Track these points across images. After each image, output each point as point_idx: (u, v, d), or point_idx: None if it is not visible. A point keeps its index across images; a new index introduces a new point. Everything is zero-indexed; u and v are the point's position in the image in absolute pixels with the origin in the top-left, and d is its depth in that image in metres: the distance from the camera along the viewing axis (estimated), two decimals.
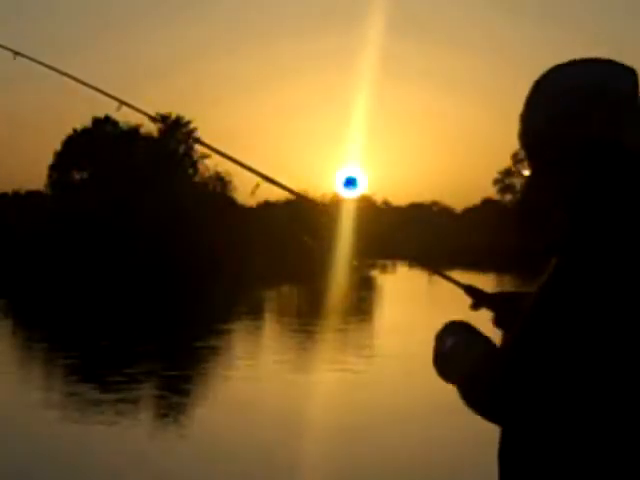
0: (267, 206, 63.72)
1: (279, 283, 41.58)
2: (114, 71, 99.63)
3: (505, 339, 1.97)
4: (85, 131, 56.45)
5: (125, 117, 57.77)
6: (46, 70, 2.79)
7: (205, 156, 58.00)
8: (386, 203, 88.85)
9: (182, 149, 57.89)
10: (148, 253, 44.20)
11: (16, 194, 58.44)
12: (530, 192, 1.97)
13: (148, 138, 56.35)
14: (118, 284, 36.83)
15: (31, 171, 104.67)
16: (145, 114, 3.39)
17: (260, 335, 22.41)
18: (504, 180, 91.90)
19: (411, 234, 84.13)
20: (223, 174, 56.84)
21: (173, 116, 58.35)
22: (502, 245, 65.20)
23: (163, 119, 57.73)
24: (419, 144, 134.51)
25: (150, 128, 57.60)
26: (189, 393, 13.91)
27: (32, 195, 56.51)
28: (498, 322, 2.41)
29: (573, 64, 1.93)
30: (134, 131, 56.23)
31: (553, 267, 1.87)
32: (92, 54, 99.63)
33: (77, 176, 55.71)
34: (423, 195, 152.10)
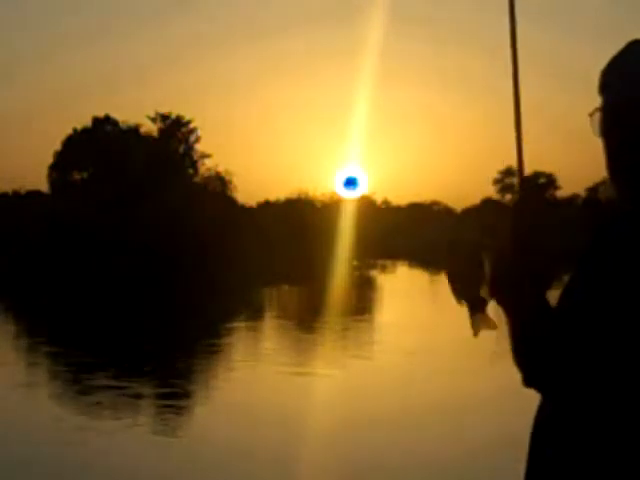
0: (267, 206, 63.75)
1: (279, 283, 41.57)
2: (112, 70, 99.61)
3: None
4: (85, 131, 56.43)
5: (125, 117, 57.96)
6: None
7: (205, 156, 58.06)
8: (386, 203, 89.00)
9: (182, 149, 57.90)
10: (148, 253, 44.20)
11: (16, 194, 58.45)
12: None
13: (148, 138, 56.35)
14: (118, 284, 36.82)
15: (31, 171, 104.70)
16: None
17: (263, 334, 22.41)
18: (504, 180, 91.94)
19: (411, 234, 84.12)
20: (223, 174, 56.86)
21: (173, 116, 58.43)
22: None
23: (163, 118, 57.91)
24: (419, 144, 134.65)
25: (150, 128, 57.70)
26: (200, 392, 13.92)
27: (32, 195, 56.51)
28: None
29: None
30: (134, 131, 56.22)
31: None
32: (89, 53, 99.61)
33: (77, 176, 55.71)
34: (423, 195, 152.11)
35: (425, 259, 67.21)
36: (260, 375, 15.43)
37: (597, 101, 1.97)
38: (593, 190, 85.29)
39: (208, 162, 57.88)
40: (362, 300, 34.39)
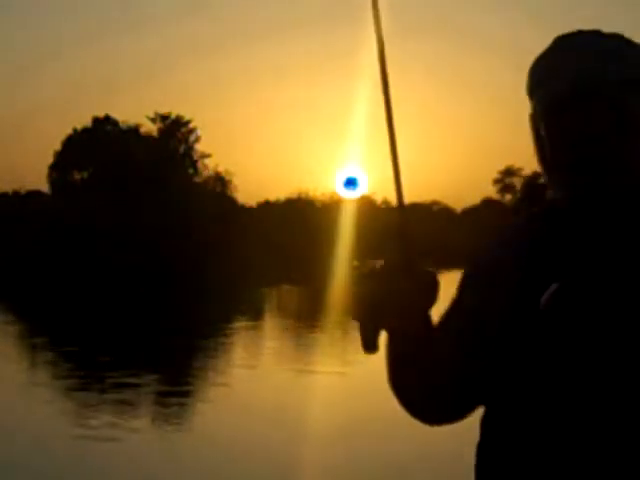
0: (267, 206, 63.76)
1: (279, 283, 41.59)
2: (112, 70, 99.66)
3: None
4: (85, 131, 56.45)
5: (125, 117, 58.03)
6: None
7: (205, 156, 58.08)
8: (386, 203, 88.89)
9: (182, 149, 57.92)
10: (148, 253, 44.21)
11: (16, 194, 58.45)
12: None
13: (148, 138, 56.36)
14: (119, 284, 36.83)
15: (31, 171, 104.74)
16: None
17: (265, 333, 22.42)
18: (504, 180, 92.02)
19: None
20: (223, 174, 56.89)
21: (173, 116, 58.46)
22: None
23: (163, 118, 57.94)
24: (419, 144, 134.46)
25: (150, 128, 57.73)
26: (201, 391, 13.92)
27: (32, 195, 56.52)
28: None
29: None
30: (134, 131, 56.24)
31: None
32: (89, 53, 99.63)
33: (77, 176, 55.73)
34: (423, 195, 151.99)
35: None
36: (265, 374, 15.43)
37: None
38: None
39: (208, 162, 57.94)
40: None
